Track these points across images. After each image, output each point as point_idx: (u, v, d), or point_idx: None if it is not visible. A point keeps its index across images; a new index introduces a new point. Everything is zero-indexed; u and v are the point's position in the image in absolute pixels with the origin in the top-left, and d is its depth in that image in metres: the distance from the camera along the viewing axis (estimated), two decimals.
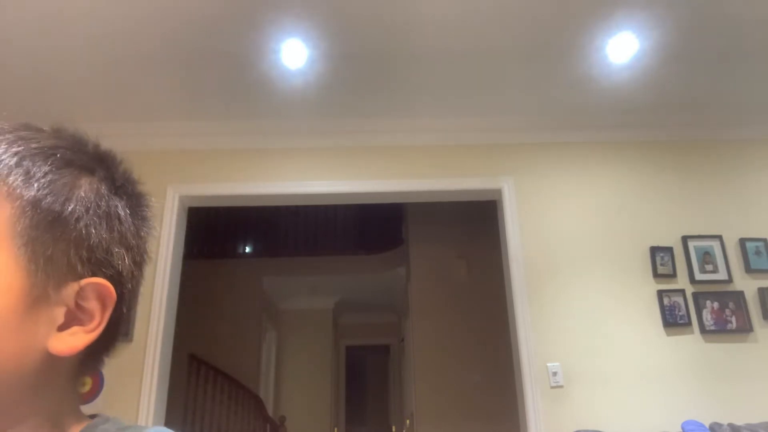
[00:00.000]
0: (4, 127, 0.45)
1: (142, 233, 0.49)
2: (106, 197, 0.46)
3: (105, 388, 2.67)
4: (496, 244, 3.27)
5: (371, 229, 6.57)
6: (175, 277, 3.01)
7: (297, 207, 6.19)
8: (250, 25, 2.42)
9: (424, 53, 2.65)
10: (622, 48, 2.63)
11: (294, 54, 2.61)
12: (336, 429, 7.06)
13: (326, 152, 3.22)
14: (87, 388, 2.66)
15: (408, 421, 5.11)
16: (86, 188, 0.44)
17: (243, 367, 5.73)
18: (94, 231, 0.44)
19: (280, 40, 2.52)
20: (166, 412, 2.85)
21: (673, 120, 3.26)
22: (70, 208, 0.43)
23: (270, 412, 6.01)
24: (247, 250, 6.90)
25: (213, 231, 6.24)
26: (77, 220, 0.43)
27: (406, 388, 6.17)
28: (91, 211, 0.44)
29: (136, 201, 0.49)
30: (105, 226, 0.45)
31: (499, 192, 3.15)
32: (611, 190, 3.16)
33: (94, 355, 0.46)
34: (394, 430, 6.70)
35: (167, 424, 2.99)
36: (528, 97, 3.05)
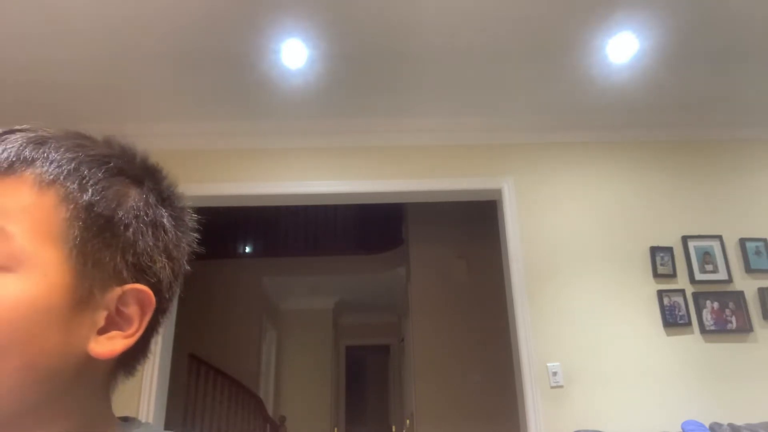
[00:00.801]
0: (61, 134, 0.48)
1: (183, 245, 0.50)
2: (154, 207, 0.47)
3: None
4: (496, 244, 3.27)
5: (371, 229, 6.57)
6: None
7: (297, 207, 6.19)
8: (250, 25, 2.42)
9: (424, 53, 2.65)
10: (622, 48, 2.63)
11: (294, 54, 2.61)
12: (336, 429, 7.06)
13: (326, 152, 3.22)
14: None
15: (408, 421, 5.11)
16: (136, 197, 0.46)
17: (243, 367, 5.73)
18: (141, 238, 0.45)
19: (280, 40, 2.53)
20: (166, 412, 2.85)
21: (673, 120, 3.26)
22: (120, 215, 0.44)
23: (270, 412, 6.01)
24: (247, 250, 6.90)
25: (213, 231, 6.22)
26: (126, 226, 0.44)
27: (406, 388, 6.16)
28: (139, 219, 0.45)
29: (179, 214, 0.51)
30: (151, 235, 0.46)
31: (499, 192, 3.15)
32: (611, 190, 3.16)
33: (127, 362, 0.48)
34: (394, 430, 6.70)
35: (167, 424, 2.99)
36: (528, 97, 3.05)
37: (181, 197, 0.52)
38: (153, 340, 0.50)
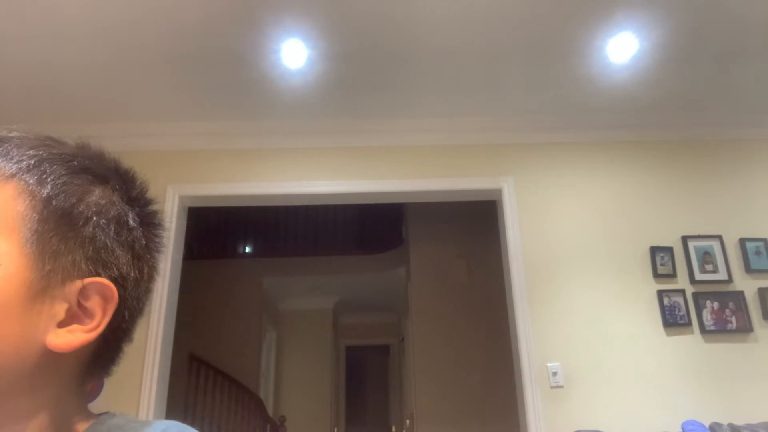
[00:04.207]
0: (30, 135, 0.48)
1: (151, 246, 0.50)
2: (117, 204, 0.48)
3: (105, 388, 2.67)
4: (496, 244, 3.27)
5: (371, 229, 6.57)
6: (175, 277, 3.01)
7: (297, 207, 6.19)
8: (250, 25, 2.42)
9: (424, 53, 2.65)
10: (622, 48, 2.63)
11: (294, 54, 2.61)
12: (336, 429, 7.06)
13: (326, 152, 3.22)
14: (87, 388, 2.66)
15: (408, 422, 5.11)
16: (99, 194, 0.47)
17: (243, 367, 5.73)
18: (101, 233, 0.45)
19: (280, 40, 2.52)
20: (166, 412, 2.85)
21: (673, 120, 3.26)
22: (79, 209, 0.45)
23: (270, 412, 6.01)
24: (247, 250, 6.90)
25: (213, 231, 6.24)
26: (86, 220, 0.45)
27: (406, 388, 6.16)
28: (101, 215, 0.46)
29: (148, 216, 0.51)
30: (113, 231, 0.46)
31: (499, 192, 3.15)
32: (611, 190, 3.16)
33: (99, 360, 0.48)
34: (394, 430, 6.70)
35: None
36: (528, 97, 3.05)
37: (150, 199, 0.52)
38: (129, 338, 0.51)
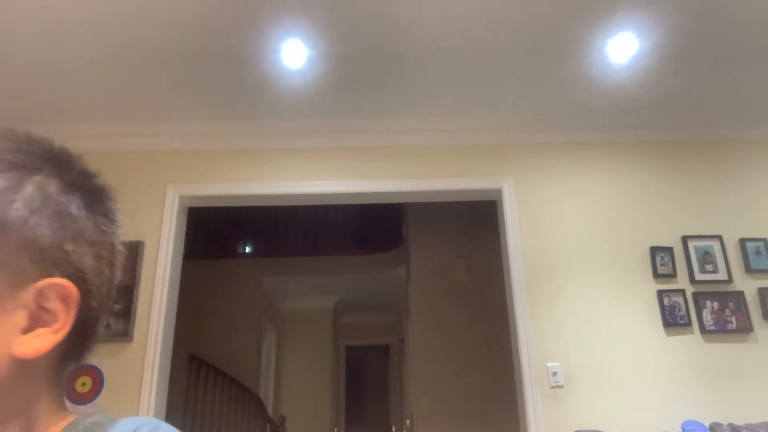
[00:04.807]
0: None
1: (104, 228, 0.48)
2: (55, 196, 0.45)
3: (105, 388, 2.67)
4: (496, 244, 3.27)
5: (371, 229, 6.57)
6: (175, 277, 3.01)
7: (297, 207, 6.20)
8: (250, 25, 2.42)
9: (424, 53, 2.65)
10: (622, 48, 2.63)
11: (294, 54, 2.61)
12: (336, 429, 7.06)
13: (326, 152, 3.22)
14: (87, 388, 2.66)
15: (408, 422, 5.11)
16: (31, 189, 0.43)
17: (243, 367, 5.73)
18: (43, 232, 0.43)
19: (280, 40, 2.53)
20: (166, 412, 2.85)
21: (673, 120, 3.26)
22: (13, 212, 0.42)
23: (270, 412, 6.01)
24: (247, 250, 6.90)
25: (213, 231, 6.24)
26: (23, 222, 0.42)
27: (406, 388, 6.17)
28: (37, 213, 0.43)
29: (93, 196, 0.48)
30: (56, 226, 0.44)
31: (499, 192, 3.15)
32: (611, 190, 3.16)
33: (72, 354, 0.46)
34: (394, 430, 6.70)
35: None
36: (528, 97, 3.05)
37: (94, 177, 0.49)
38: (101, 324, 0.48)
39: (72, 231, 0.45)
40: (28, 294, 0.42)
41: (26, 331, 0.41)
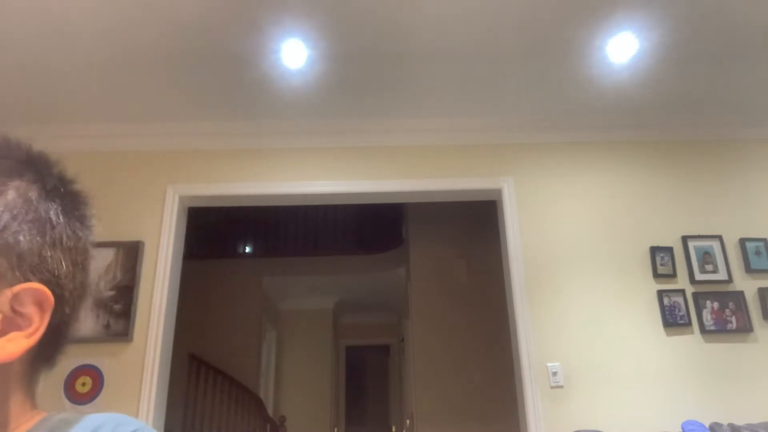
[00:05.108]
0: None
1: (80, 233, 0.48)
2: (35, 202, 0.45)
3: (105, 388, 2.67)
4: (496, 244, 3.27)
5: (371, 229, 6.58)
6: (175, 277, 3.01)
7: (297, 207, 6.20)
8: (250, 25, 2.42)
9: (424, 53, 2.65)
10: (622, 48, 2.63)
11: (294, 54, 2.61)
12: (336, 429, 7.06)
13: (326, 152, 3.22)
14: (87, 388, 2.66)
15: (408, 422, 5.11)
16: (13, 195, 0.44)
17: (243, 367, 5.73)
18: (23, 238, 0.43)
19: (280, 40, 2.53)
20: (166, 412, 2.85)
21: (673, 120, 3.26)
22: None
23: (270, 412, 6.01)
24: (247, 250, 6.90)
25: (213, 231, 6.24)
26: (4, 228, 0.42)
27: (406, 388, 6.17)
28: (18, 218, 0.43)
29: (71, 201, 0.49)
30: (36, 232, 0.44)
31: (499, 192, 3.15)
32: (611, 190, 3.16)
33: (44, 356, 0.47)
34: (394, 430, 6.70)
35: (167, 423, 2.99)
36: (528, 97, 3.05)
37: (71, 183, 0.50)
38: (72, 328, 0.48)
39: (50, 237, 0.45)
40: (4, 298, 0.42)
41: (0, 334, 0.42)
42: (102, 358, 2.71)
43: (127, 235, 2.93)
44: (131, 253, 2.89)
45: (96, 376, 2.68)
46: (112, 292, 2.79)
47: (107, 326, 2.75)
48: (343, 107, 3.08)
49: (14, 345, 0.42)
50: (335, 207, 6.46)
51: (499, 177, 3.16)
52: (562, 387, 2.75)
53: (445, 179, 3.17)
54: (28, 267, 0.43)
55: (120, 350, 2.74)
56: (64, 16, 2.34)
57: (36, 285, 0.43)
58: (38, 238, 0.44)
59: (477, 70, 2.80)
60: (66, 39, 2.47)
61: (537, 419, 2.69)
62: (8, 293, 0.42)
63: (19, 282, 0.43)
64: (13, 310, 0.42)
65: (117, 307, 2.78)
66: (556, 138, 3.25)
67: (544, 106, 3.12)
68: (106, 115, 3.05)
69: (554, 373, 2.76)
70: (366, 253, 6.36)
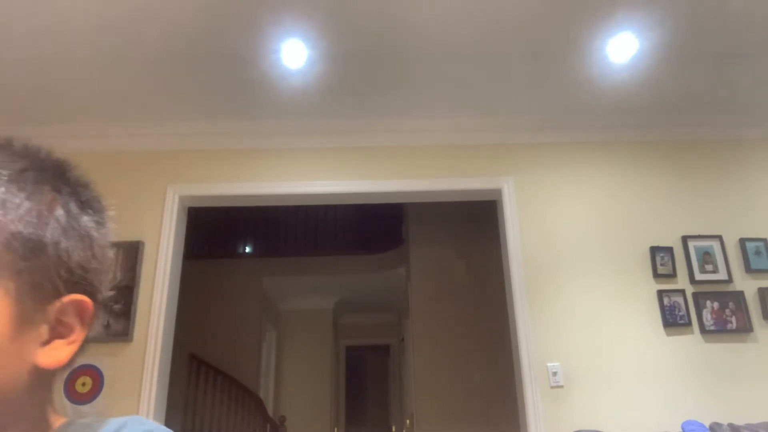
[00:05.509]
0: None
1: (106, 242, 0.51)
2: (76, 217, 0.47)
3: (105, 388, 2.67)
4: (496, 244, 3.27)
5: (371, 229, 6.57)
6: (175, 277, 3.01)
7: (297, 207, 6.20)
8: (250, 25, 2.42)
9: (424, 53, 2.65)
10: (622, 48, 2.63)
11: (294, 54, 2.61)
12: (336, 429, 7.06)
13: (326, 152, 3.22)
14: (87, 388, 2.66)
15: (408, 422, 5.11)
16: (59, 211, 0.46)
17: (243, 367, 5.73)
18: (72, 253, 0.46)
19: (280, 40, 2.53)
20: (166, 412, 2.85)
21: (673, 120, 3.26)
22: (48, 235, 0.44)
23: (270, 412, 6.01)
24: (247, 250, 6.90)
25: (213, 231, 6.24)
26: (56, 245, 0.45)
27: (406, 388, 6.17)
28: (66, 234, 0.46)
29: (99, 213, 0.51)
30: (80, 246, 0.47)
31: (499, 192, 3.15)
32: (611, 190, 3.16)
33: (69, 363, 0.48)
34: (394, 430, 6.70)
35: (167, 424, 2.99)
36: (528, 97, 3.05)
37: (89, 186, 0.51)
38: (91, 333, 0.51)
39: (91, 250, 0.48)
40: (52, 309, 0.44)
41: (45, 343, 0.44)
42: (102, 358, 2.71)
43: (127, 235, 2.93)
44: (131, 253, 2.89)
45: (96, 376, 2.68)
46: (112, 292, 2.78)
47: (107, 326, 2.75)
48: (343, 107, 3.08)
49: (59, 353, 0.44)
50: (335, 207, 6.46)
51: (499, 177, 3.16)
52: (562, 387, 2.75)
53: (445, 179, 3.17)
54: (75, 279, 0.46)
55: (120, 350, 2.74)
56: (63, 16, 2.33)
57: (81, 297, 0.46)
58: (84, 252, 0.47)
59: (477, 70, 2.80)
60: (66, 39, 2.47)
61: (537, 419, 2.69)
62: (57, 305, 0.44)
63: (67, 294, 0.45)
64: (57, 320, 0.45)
65: (117, 307, 2.78)
66: (556, 138, 3.25)
67: (544, 106, 3.12)
68: (106, 115, 3.05)
69: (554, 373, 2.76)
70: (366, 253, 6.36)
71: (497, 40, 2.57)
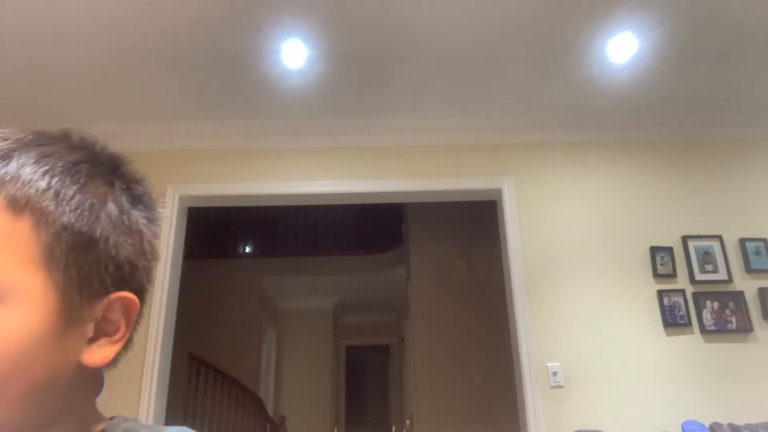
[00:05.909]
0: (22, 139, 0.45)
1: (155, 240, 0.50)
2: (128, 212, 0.47)
3: (105, 388, 2.66)
4: (496, 244, 3.27)
5: (371, 229, 6.57)
6: (175, 277, 3.01)
7: (297, 207, 6.19)
8: (250, 25, 2.42)
9: (424, 53, 2.65)
10: (622, 48, 2.63)
11: (294, 54, 2.61)
12: (336, 429, 7.06)
13: (326, 152, 3.22)
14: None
15: (408, 421, 5.11)
16: (111, 206, 0.45)
17: (243, 367, 5.73)
18: (121, 248, 0.45)
19: (280, 40, 2.53)
20: (166, 412, 2.85)
21: (673, 120, 3.26)
22: (99, 229, 0.44)
23: (270, 412, 6.01)
24: (247, 250, 6.90)
25: (213, 231, 6.24)
26: (106, 240, 0.44)
27: (406, 388, 6.17)
28: (116, 229, 0.45)
29: (151, 209, 0.50)
30: (130, 243, 0.46)
31: (499, 192, 3.15)
32: (611, 190, 3.16)
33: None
34: (394, 430, 6.70)
35: (167, 423, 2.99)
36: (528, 97, 3.05)
37: (142, 181, 0.51)
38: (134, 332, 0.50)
39: (139, 247, 0.47)
40: (99, 306, 0.44)
41: (91, 340, 0.44)
42: None
43: None
44: None
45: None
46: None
47: None
48: (343, 107, 3.08)
49: (105, 350, 0.44)
50: (335, 207, 6.45)
51: (499, 177, 3.16)
52: (562, 387, 2.75)
53: (445, 179, 3.17)
54: (123, 276, 0.45)
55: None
56: (63, 17, 2.33)
57: (128, 294, 0.45)
58: (133, 248, 0.46)
59: (477, 70, 2.80)
60: (66, 39, 2.47)
61: (537, 419, 2.69)
62: (104, 301, 0.44)
63: (114, 291, 0.44)
64: (104, 318, 0.44)
65: None
66: (556, 138, 3.25)
67: (544, 106, 3.12)
68: (106, 114, 3.06)
69: (554, 373, 2.76)
70: (366, 253, 6.36)
71: (497, 41, 2.57)
